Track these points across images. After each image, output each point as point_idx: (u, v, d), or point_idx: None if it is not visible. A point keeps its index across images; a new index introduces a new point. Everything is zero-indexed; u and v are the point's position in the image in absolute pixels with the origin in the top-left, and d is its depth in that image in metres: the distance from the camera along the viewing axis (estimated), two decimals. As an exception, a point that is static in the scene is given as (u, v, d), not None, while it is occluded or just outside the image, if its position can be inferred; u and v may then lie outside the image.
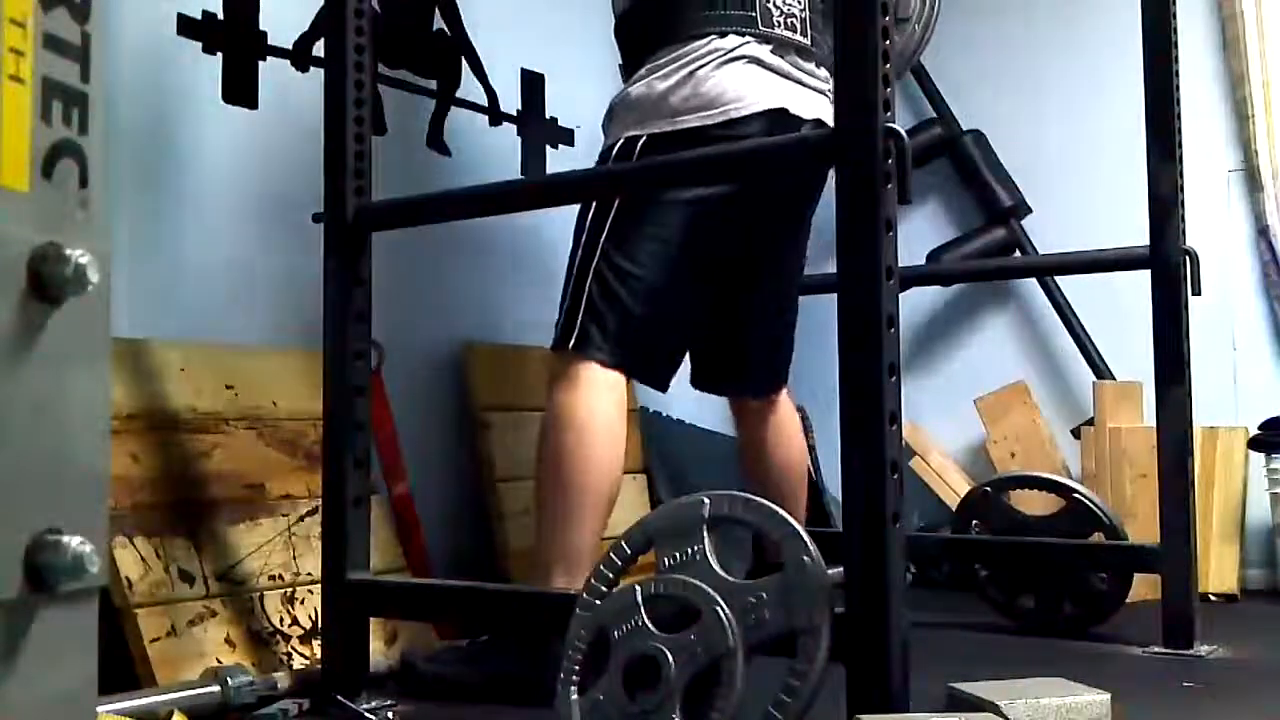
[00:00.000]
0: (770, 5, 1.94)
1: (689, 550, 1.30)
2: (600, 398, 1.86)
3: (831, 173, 1.39)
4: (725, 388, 2.24)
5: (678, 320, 1.99)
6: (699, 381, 2.21)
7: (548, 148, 2.94)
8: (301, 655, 1.95)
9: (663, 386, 2.07)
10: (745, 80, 1.90)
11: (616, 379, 1.89)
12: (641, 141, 1.90)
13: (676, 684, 1.23)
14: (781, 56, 1.95)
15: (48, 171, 0.57)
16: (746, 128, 1.87)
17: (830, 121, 1.99)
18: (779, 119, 1.90)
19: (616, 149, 1.93)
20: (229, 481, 1.99)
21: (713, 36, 1.91)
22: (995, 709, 1.27)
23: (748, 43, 1.92)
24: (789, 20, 1.96)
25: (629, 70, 2.02)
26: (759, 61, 1.93)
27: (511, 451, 2.54)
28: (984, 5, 3.32)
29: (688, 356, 2.14)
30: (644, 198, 1.91)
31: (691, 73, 1.90)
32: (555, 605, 1.49)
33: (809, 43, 1.99)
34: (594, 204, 1.93)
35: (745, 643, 1.21)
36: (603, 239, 1.90)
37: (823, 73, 2.02)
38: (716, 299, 2.07)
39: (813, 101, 1.98)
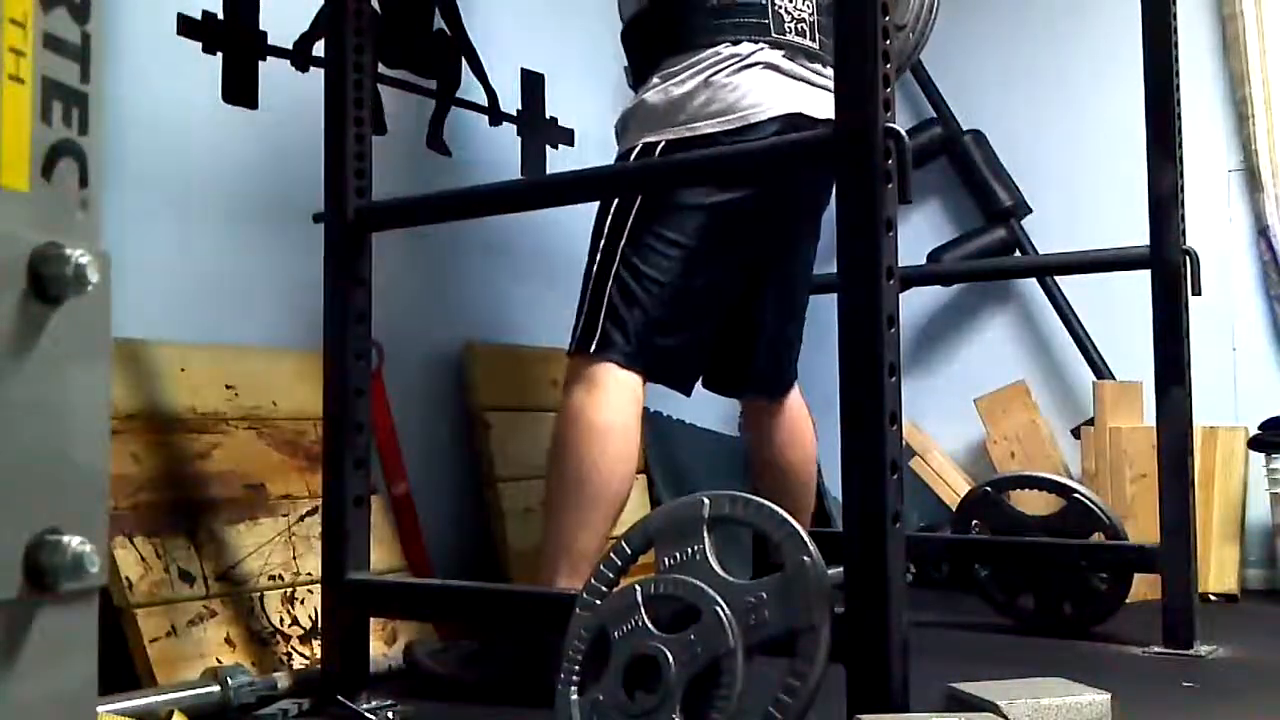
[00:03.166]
0: (782, 11, 1.94)
1: (689, 550, 1.30)
2: (618, 400, 1.85)
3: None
4: (738, 390, 2.24)
5: (697, 323, 1.98)
6: (711, 383, 2.20)
7: (548, 148, 2.93)
8: (301, 655, 1.95)
9: (686, 390, 2.06)
10: (762, 85, 1.90)
11: (635, 382, 1.88)
12: (660, 147, 1.89)
13: (676, 684, 1.22)
14: (793, 60, 1.95)
15: (48, 171, 0.57)
16: (764, 132, 1.87)
17: None
18: (796, 122, 1.90)
19: (635, 155, 1.92)
20: (229, 481, 1.99)
21: (726, 43, 1.91)
22: (995, 709, 1.27)
23: (761, 49, 1.92)
24: (799, 26, 1.96)
25: (639, 76, 2.02)
26: (774, 67, 1.92)
27: (512, 451, 2.54)
28: (984, 5, 3.33)
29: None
30: (662, 202, 1.90)
31: (708, 79, 1.89)
32: (555, 605, 1.49)
33: (817, 46, 1.99)
34: (612, 208, 1.92)
35: (745, 643, 1.21)
36: (622, 243, 1.89)
37: (829, 72, 2.02)
38: (733, 302, 2.07)
39: (827, 102, 1.98)
